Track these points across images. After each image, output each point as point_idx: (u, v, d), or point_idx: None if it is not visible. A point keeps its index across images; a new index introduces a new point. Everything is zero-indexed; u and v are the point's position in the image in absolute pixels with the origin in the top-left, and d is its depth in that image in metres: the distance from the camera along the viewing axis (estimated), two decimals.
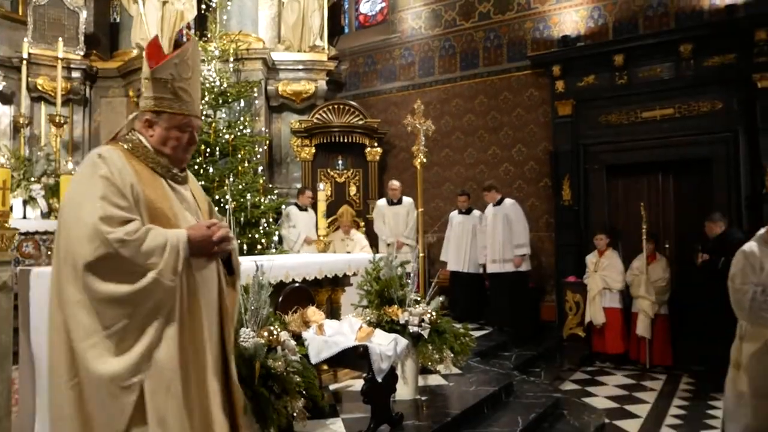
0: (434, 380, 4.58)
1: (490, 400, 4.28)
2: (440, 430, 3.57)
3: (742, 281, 3.19)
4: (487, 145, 8.51)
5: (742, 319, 3.34)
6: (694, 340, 6.41)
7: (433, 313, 4.04)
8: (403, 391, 3.95)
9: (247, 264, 2.81)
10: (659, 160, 7.22)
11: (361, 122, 8.64)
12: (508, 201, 7.18)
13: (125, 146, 1.93)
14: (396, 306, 4.04)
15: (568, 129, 7.63)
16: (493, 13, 8.40)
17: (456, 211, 7.75)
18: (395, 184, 7.71)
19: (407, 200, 7.68)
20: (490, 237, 7.11)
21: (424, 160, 5.52)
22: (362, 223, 8.39)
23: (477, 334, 6.12)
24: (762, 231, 3.36)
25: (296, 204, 7.59)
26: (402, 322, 3.94)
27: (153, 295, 1.72)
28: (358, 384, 4.14)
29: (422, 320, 3.96)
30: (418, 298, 4.21)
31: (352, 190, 8.93)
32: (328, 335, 3.53)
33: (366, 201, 8.82)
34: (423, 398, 4.08)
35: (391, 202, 7.69)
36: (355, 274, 4.63)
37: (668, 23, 7.13)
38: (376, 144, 8.81)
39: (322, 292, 4.38)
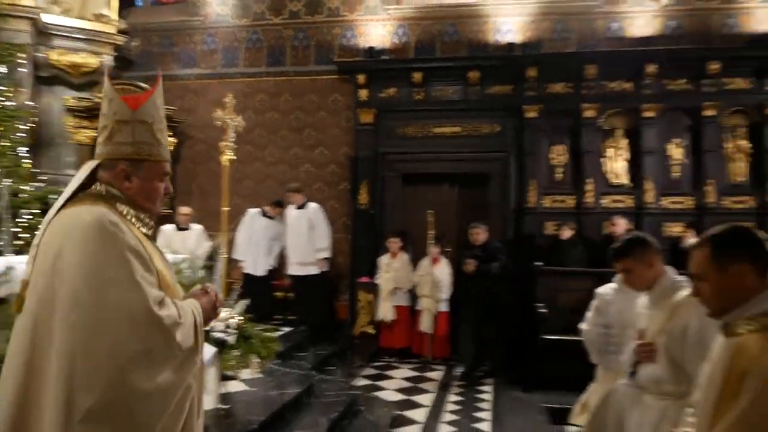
0: (235, 386, 4.39)
1: (293, 403, 4.29)
2: None
3: (592, 321, 3.16)
4: (289, 145, 8.47)
5: (593, 360, 3.26)
6: (467, 335, 7.20)
7: (239, 318, 3.88)
8: (205, 401, 3.69)
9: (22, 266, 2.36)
10: (446, 172, 7.99)
11: None
12: (312, 205, 7.25)
13: (110, 203, 1.58)
14: None
15: (369, 136, 7.99)
16: (304, 13, 8.40)
17: (259, 212, 7.53)
18: (185, 209, 7.24)
19: (196, 228, 7.25)
20: (293, 239, 7.10)
21: (234, 156, 5.27)
22: None
23: (274, 335, 6.06)
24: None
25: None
26: (207, 328, 3.69)
27: (187, 380, 1.52)
28: None
29: (228, 326, 3.77)
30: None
31: None
32: None
33: None
34: (225, 406, 3.88)
35: (179, 228, 7.18)
36: None
37: (461, 50, 7.93)
38: (170, 133, 8.14)
39: None
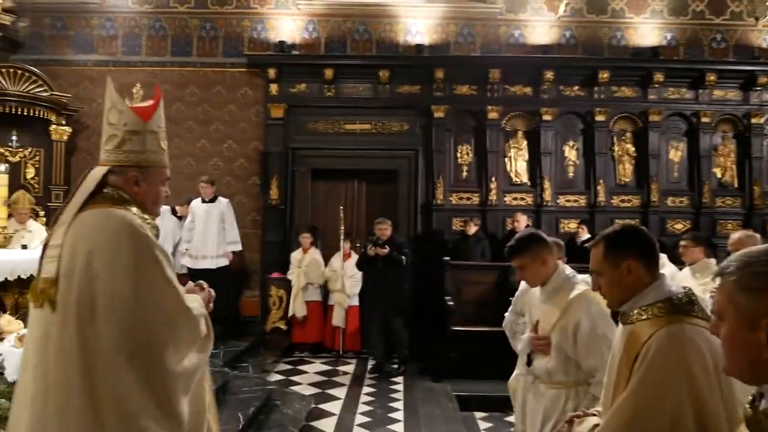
0: None
1: None
2: None
3: (510, 309, 3.21)
4: (196, 138, 8.20)
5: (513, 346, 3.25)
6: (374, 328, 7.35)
7: None
8: None
9: None
10: (356, 168, 8.10)
11: (45, 94, 7.39)
12: (223, 199, 7.14)
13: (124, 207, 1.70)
14: None
15: (279, 131, 7.94)
16: (211, 3, 8.14)
17: (168, 210, 7.22)
18: None
19: None
20: (201, 233, 6.90)
21: None
22: (42, 212, 7.19)
23: None
24: None
25: None
26: None
27: (206, 361, 1.77)
28: None
29: None
30: None
31: (30, 172, 7.58)
32: None
33: (48, 186, 7.60)
34: None
35: None
36: None
37: (371, 49, 8.06)
38: (64, 122, 7.63)
39: (7, 296, 3.67)
